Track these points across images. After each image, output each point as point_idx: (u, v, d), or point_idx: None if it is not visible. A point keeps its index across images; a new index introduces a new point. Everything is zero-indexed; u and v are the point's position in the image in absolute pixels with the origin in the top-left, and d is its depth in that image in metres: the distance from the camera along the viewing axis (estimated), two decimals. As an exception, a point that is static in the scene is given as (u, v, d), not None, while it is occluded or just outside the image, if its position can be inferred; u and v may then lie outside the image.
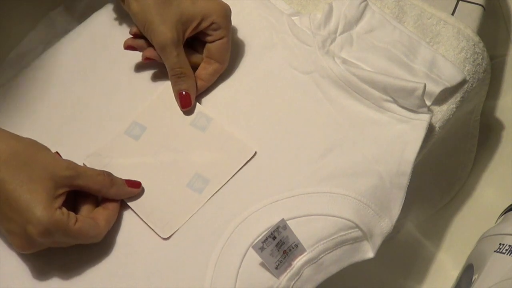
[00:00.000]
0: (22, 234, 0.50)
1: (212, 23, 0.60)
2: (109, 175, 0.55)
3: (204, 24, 0.60)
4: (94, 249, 0.54)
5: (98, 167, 0.57)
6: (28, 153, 0.52)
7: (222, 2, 0.61)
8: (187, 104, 0.61)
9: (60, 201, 0.51)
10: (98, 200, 0.56)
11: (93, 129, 0.61)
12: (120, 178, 0.56)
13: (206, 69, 0.62)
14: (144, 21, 0.59)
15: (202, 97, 0.63)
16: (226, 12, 0.60)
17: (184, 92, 0.60)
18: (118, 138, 0.60)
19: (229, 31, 0.61)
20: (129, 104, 0.63)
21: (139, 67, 0.65)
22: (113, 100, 0.63)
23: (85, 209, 0.54)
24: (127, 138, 0.60)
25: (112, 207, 0.55)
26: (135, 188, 0.56)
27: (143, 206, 0.56)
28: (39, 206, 0.49)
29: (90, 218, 0.53)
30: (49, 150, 0.54)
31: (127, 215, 0.56)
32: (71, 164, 0.53)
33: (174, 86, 0.61)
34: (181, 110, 0.61)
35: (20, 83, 0.65)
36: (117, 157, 0.59)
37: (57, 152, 0.56)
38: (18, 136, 0.53)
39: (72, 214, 0.51)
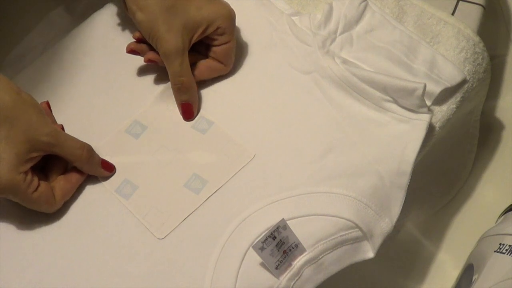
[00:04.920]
0: None
1: (218, 28, 0.59)
2: (89, 151, 0.56)
3: (210, 30, 0.60)
4: (94, 248, 0.54)
5: None
6: (15, 110, 0.52)
7: (227, 6, 0.60)
8: (189, 115, 0.61)
9: (29, 164, 0.52)
10: (68, 166, 0.57)
11: (93, 128, 0.61)
12: (98, 157, 0.57)
13: (208, 64, 0.62)
14: (150, 29, 0.58)
15: (202, 97, 0.62)
16: (231, 16, 0.60)
17: (186, 103, 0.61)
18: (118, 136, 0.61)
19: (234, 35, 0.61)
20: (130, 103, 0.63)
21: (140, 67, 0.65)
22: (114, 99, 0.63)
23: (53, 173, 0.56)
24: (127, 136, 0.60)
25: (75, 180, 0.56)
26: (107, 171, 0.58)
27: (139, 206, 0.56)
28: (4, 167, 0.50)
29: (49, 188, 0.54)
30: (39, 110, 0.54)
31: (126, 214, 0.56)
32: (53, 131, 0.53)
33: (176, 96, 0.61)
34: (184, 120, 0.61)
35: (20, 83, 0.64)
36: (116, 154, 0.59)
37: (47, 105, 0.56)
38: (18, 90, 0.53)
39: (34, 182, 0.53)
